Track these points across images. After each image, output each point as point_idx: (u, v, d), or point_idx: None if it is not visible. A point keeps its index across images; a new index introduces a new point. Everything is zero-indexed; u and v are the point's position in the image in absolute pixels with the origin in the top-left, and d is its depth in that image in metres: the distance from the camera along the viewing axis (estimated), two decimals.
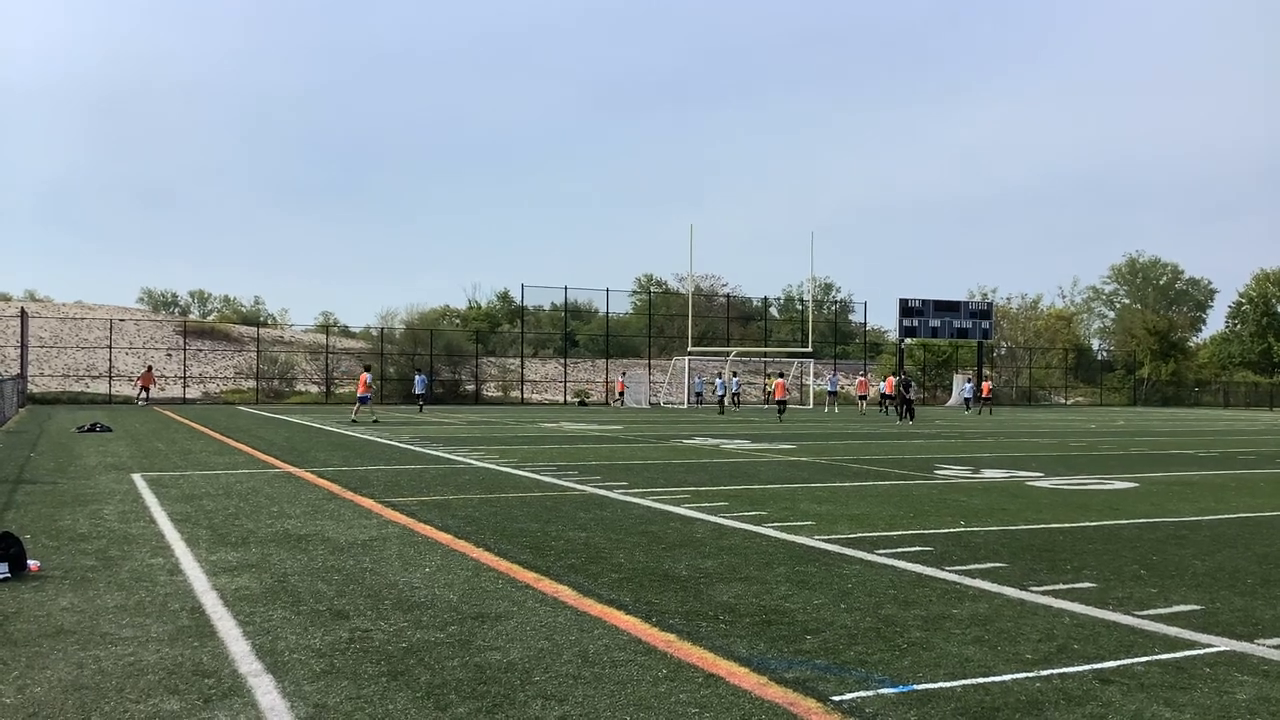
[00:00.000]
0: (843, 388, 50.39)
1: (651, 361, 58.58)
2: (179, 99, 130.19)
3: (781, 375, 43.87)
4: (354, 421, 28.90)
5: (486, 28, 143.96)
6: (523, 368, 56.62)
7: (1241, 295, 79.46)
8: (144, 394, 44.17)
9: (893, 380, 42.10)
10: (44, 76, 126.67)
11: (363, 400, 30.59)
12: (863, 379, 52.10)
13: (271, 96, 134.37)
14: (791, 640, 5.42)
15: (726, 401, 45.32)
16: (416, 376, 43.67)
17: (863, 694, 4.54)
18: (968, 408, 47.21)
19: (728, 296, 72.60)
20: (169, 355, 54.45)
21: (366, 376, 31.37)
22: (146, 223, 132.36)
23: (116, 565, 7.32)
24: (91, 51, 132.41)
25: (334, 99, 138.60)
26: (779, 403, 38.01)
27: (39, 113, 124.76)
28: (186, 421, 29.12)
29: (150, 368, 46.56)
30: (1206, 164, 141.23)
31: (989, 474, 15.17)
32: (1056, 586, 6.85)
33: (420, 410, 40.14)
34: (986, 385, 47.83)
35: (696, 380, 52.46)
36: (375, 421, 29.17)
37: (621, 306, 72.54)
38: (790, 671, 4.85)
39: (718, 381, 45.94)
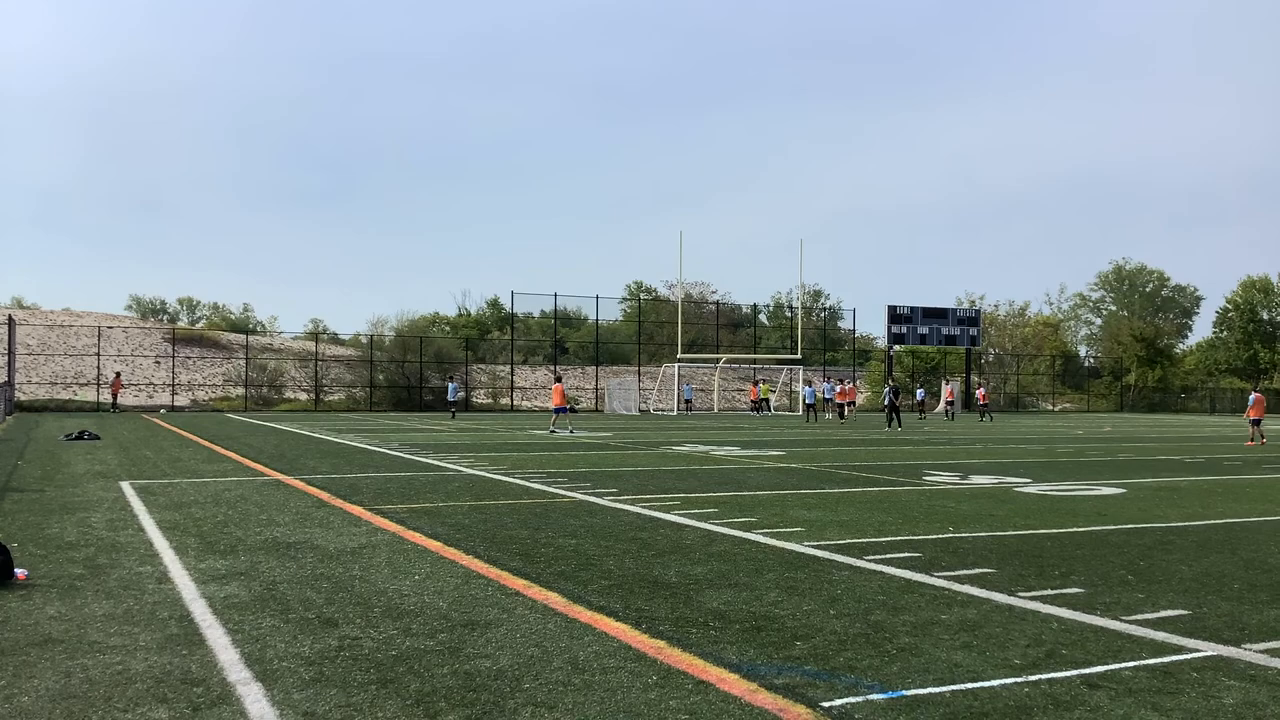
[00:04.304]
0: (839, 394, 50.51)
1: (641, 368, 58.60)
2: (168, 104, 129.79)
3: (841, 381, 47.60)
4: (552, 432, 29.34)
5: (476, 35, 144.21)
6: (512, 375, 56.55)
7: (1228, 302, 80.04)
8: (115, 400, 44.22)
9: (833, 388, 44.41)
10: (35, 82, 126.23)
11: (559, 411, 30.85)
12: (852, 386, 52.19)
13: (262, 100, 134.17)
14: (781, 646, 5.44)
15: (818, 409, 45.86)
16: (450, 384, 46.57)
17: (852, 700, 4.55)
18: (982, 416, 46.47)
19: (717, 303, 72.65)
20: (157, 362, 54.16)
21: (561, 387, 31.67)
22: (135, 228, 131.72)
23: (104, 573, 7.29)
24: (82, 58, 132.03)
25: (323, 106, 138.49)
26: (839, 406, 43.74)
27: (29, 118, 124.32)
28: (175, 429, 29.02)
29: (119, 374, 46.28)
30: (1193, 172, 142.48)
31: (977, 480, 15.22)
32: (1044, 592, 6.88)
33: (453, 417, 41.54)
34: (982, 392, 47.75)
35: (686, 387, 52.49)
36: (571, 432, 29.33)
37: (611, 313, 72.52)
38: (780, 678, 4.87)
39: (807, 390, 45.90)
